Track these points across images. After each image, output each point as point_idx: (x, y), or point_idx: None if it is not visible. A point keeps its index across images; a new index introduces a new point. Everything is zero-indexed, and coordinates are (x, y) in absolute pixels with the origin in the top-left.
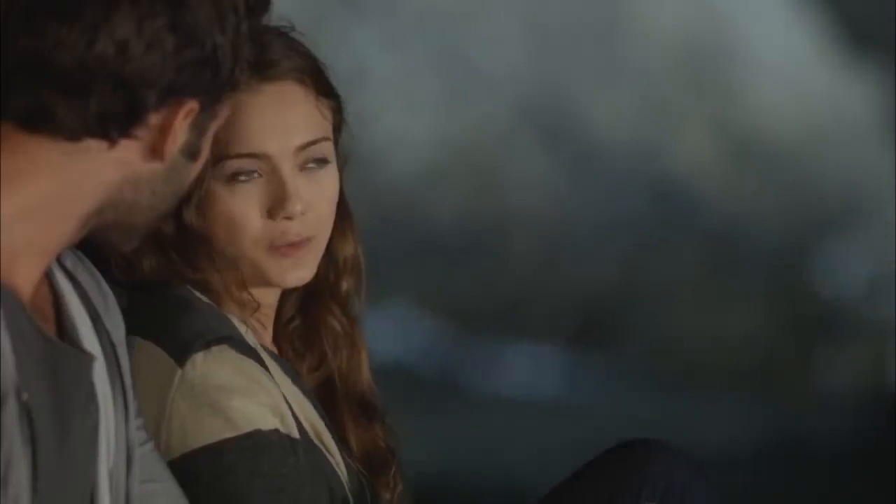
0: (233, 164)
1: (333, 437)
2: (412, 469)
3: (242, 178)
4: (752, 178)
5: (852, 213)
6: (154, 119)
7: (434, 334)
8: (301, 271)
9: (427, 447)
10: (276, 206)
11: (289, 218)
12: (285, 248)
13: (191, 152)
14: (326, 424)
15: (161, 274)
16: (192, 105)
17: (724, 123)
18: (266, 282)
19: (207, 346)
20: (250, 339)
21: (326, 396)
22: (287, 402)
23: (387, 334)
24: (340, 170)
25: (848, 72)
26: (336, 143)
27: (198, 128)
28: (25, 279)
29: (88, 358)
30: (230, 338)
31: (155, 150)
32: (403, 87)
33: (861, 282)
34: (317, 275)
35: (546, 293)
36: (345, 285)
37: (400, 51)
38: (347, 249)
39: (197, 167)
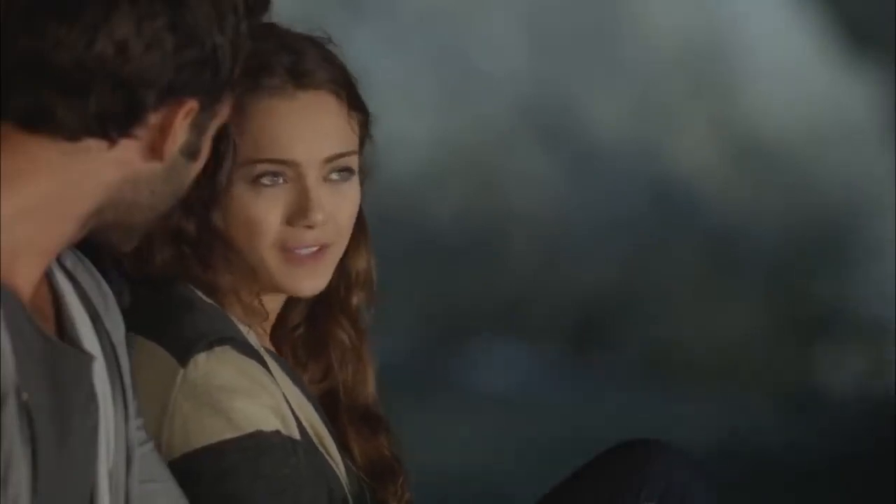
0: (259, 168)
1: (334, 441)
2: (409, 469)
3: (267, 181)
4: (752, 179)
5: (852, 213)
6: (154, 119)
7: (433, 333)
8: (315, 281)
9: (425, 447)
10: (297, 213)
11: (309, 227)
12: (300, 257)
13: (190, 152)
14: (328, 427)
15: (172, 269)
16: (191, 105)
17: (723, 124)
18: (278, 288)
19: (210, 346)
20: (252, 339)
21: (329, 407)
22: (288, 403)
23: (386, 334)
24: (361, 184)
25: (848, 72)
26: (361, 157)
27: (198, 127)
28: (25, 279)
29: (88, 358)
30: (233, 339)
31: (155, 150)
32: (403, 88)
33: (861, 282)
34: (328, 286)
35: (546, 293)
36: (355, 299)
37: (400, 51)
38: (360, 263)
39: (197, 167)
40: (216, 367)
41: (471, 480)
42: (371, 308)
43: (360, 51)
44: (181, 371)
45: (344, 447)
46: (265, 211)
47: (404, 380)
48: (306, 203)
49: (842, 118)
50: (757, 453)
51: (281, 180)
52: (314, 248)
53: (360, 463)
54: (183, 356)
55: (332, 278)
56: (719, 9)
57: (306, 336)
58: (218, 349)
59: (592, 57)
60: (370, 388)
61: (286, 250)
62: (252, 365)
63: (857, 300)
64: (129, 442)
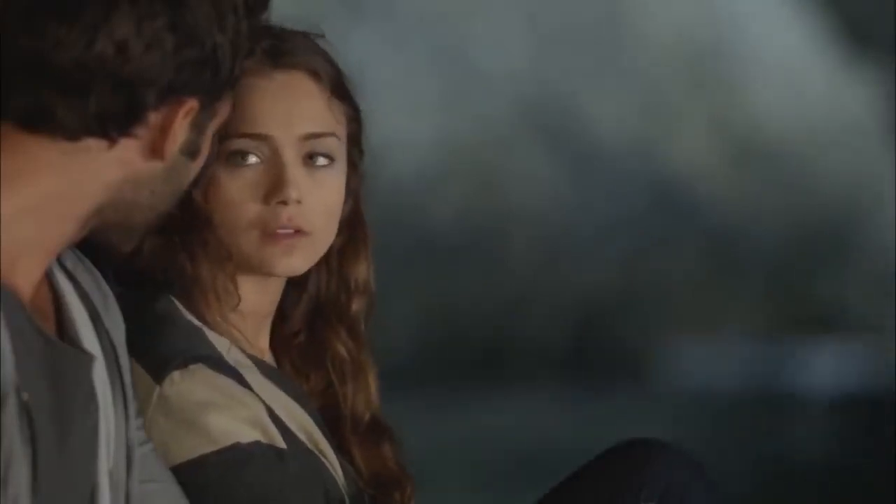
0: (235, 143)
1: (333, 446)
2: (412, 470)
3: (243, 159)
4: (753, 179)
5: (852, 212)
6: (154, 118)
7: (435, 333)
8: (291, 259)
9: (425, 448)
10: (272, 190)
11: (283, 203)
12: (276, 234)
13: (190, 151)
14: (325, 433)
15: (159, 259)
16: (191, 104)
17: (724, 124)
18: (254, 269)
19: (185, 364)
20: (234, 353)
21: (332, 418)
22: (273, 411)
23: (386, 334)
24: (357, 188)
25: (848, 72)
26: (351, 155)
27: (198, 127)
28: (26, 279)
29: (88, 358)
30: (207, 356)
31: (155, 150)
32: (404, 88)
33: (861, 281)
34: (327, 294)
35: (546, 293)
36: (355, 307)
37: (400, 51)
38: (360, 271)
39: (197, 166)
40: (190, 384)
41: (471, 480)
42: (371, 317)
43: (360, 51)
44: (157, 388)
45: (347, 457)
46: (242, 191)
47: (404, 380)
48: (281, 178)
49: (842, 118)
50: (757, 452)
51: (257, 159)
52: (291, 231)
53: (363, 473)
54: (158, 374)
55: (331, 286)
56: (720, 10)
57: (306, 345)
58: (192, 367)
59: (593, 58)
60: (372, 398)
61: (264, 232)
62: (226, 381)
63: (858, 299)
64: (129, 442)
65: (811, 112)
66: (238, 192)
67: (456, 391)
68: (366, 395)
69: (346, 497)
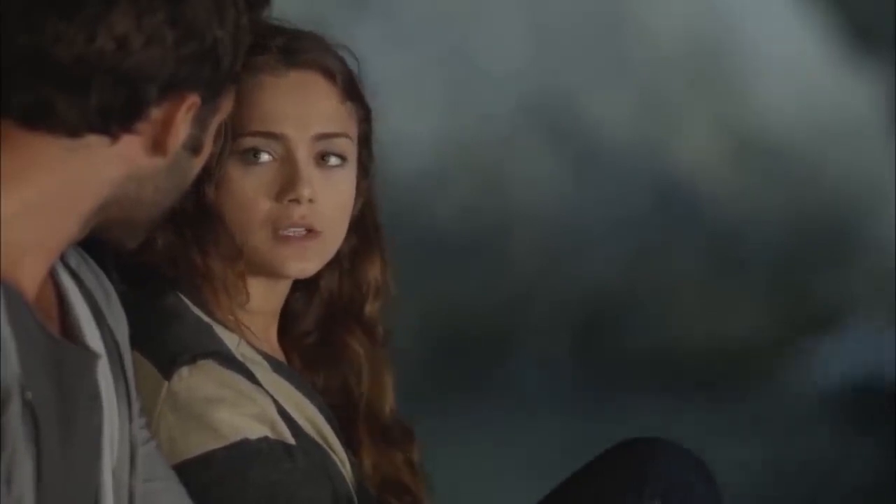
0: (248, 141)
1: (340, 440)
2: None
3: (256, 157)
4: (756, 177)
5: (855, 210)
6: (155, 114)
7: (435, 333)
8: (303, 262)
9: (427, 449)
10: (285, 188)
11: (295, 201)
12: (289, 237)
13: (193, 146)
14: (333, 427)
15: (170, 253)
16: (193, 99)
17: (727, 122)
18: (265, 269)
19: (193, 359)
20: (243, 348)
21: (346, 417)
22: (282, 407)
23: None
24: (368, 189)
25: (851, 70)
26: (362, 155)
27: (200, 122)
28: (30, 277)
29: (93, 356)
30: (216, 352)
31: (157, 145)
32: (408, 87)
33: (863, 279)
34: (339, 296)
35: (549, 292)
36: (369, 308)
37: (403, 51)
38: (374, 272)
39: (200, 161)
40: (199, 380)
41: (473, 480)
42: (387, 317)
43: (364, 50)
44: (165, 384)
45: (358, 457)
46: (255, 189)
47: (405, 381)
48: (294, 176)
49: (845, 116)
50: (757, 452)
51: (269, 157)
52: (302, 231)
53: (370, 475)
54: (167, 369)
55: (343, 288)
56: (723, 8)
57: (318, 345)
58: (201, 362)
59: (596, 56)
60: (389, 398)
61: (276, 231)
62: (234, 376)
63: (859, 298)
64: (132, 440)
65: (814, 110)
66: (250, 189)
67: (457, 391)
68: (383, 396)
69: (353, 493)
